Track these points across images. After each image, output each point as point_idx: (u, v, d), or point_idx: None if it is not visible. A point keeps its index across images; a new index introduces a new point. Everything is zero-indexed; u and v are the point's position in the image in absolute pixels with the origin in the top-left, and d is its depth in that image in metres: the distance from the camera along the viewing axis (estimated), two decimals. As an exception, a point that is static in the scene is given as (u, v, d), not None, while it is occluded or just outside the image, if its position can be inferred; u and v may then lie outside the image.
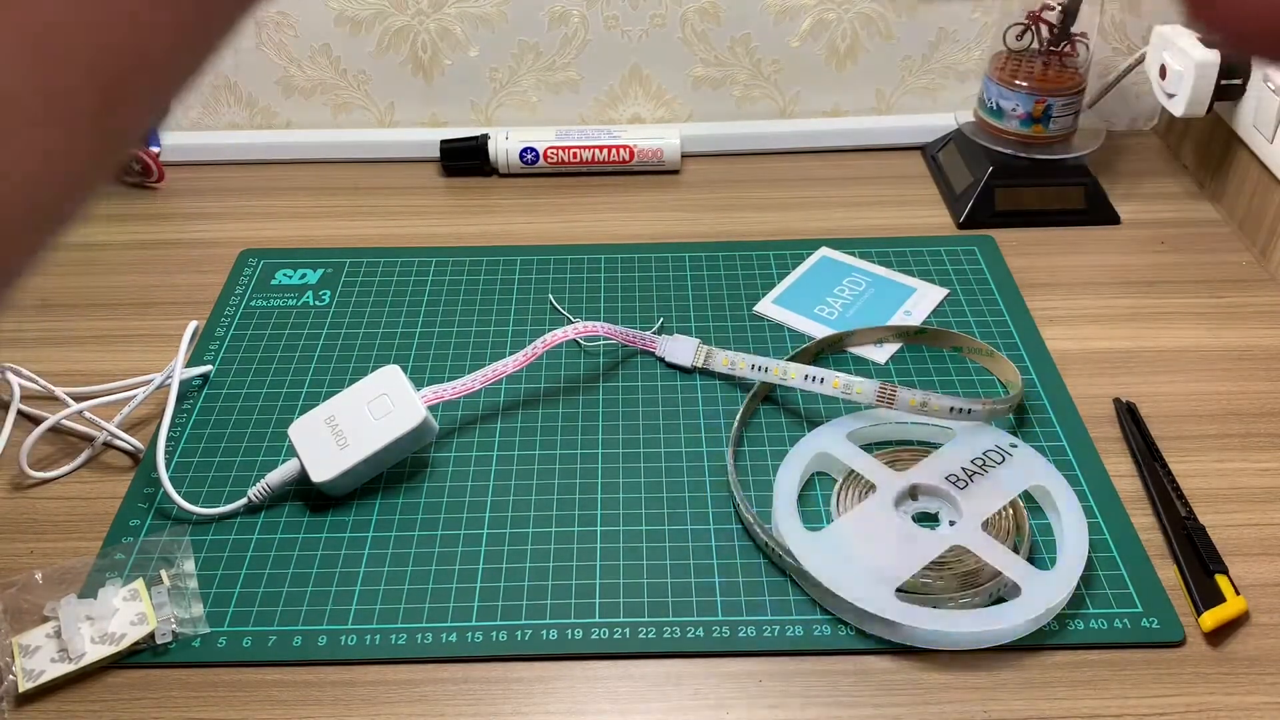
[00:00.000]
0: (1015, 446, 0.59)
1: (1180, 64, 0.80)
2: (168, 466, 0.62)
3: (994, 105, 0.82)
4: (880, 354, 0.70)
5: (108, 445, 0.65)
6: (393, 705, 0.51)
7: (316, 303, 0.75)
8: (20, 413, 0.66)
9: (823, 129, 0.93)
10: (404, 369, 0.62)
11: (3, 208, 0.13)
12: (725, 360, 0.67)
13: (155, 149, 0.91)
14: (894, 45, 0.91)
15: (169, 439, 0.64)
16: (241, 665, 0.52)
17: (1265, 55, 0.14)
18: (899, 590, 0.52)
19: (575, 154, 0.89)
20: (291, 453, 0.60)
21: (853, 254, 0.79)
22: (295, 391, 0.68)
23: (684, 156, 0.92)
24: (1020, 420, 0.64)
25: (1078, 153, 0.83)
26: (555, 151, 0.88)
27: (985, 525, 0.55)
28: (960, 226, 0.82)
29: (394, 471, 0.62)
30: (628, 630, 0.53)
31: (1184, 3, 0.14)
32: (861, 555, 0.54)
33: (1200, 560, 0.55)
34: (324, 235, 0.83)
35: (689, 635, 0.53)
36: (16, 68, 0.12)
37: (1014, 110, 0.81)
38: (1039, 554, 0.56)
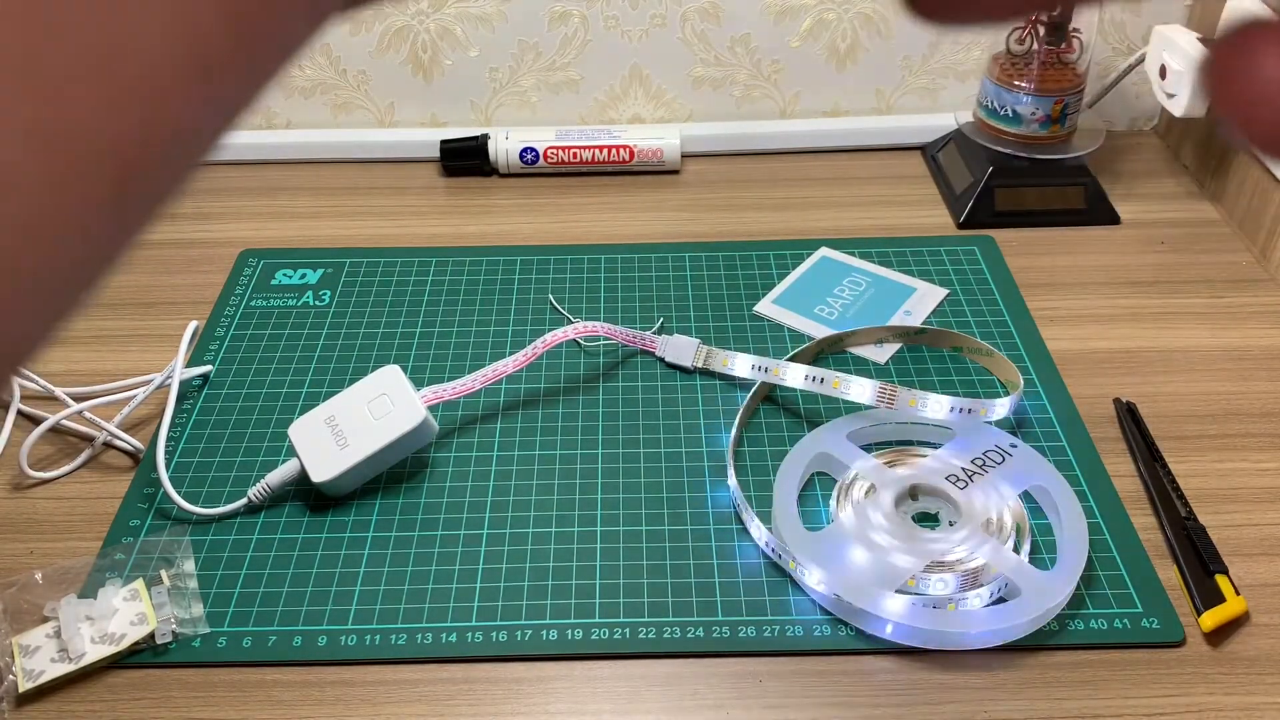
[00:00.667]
0: (1015, 446, 0.59)
1: (1180, 64, 0.80)
2: (168, 466, 0.62)
3: (1009, 112, 0.82)
4: (880, 354, 0.70)
5: (108, 445, 0.65)
6: (393, 705, 0.51)
7: (316, 303, 0.75)
8: (20, 413, 0.66)
9: (823, 129, 0.93)
10: (404, 369, 0.62)
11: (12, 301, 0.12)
12: (725, 360, 0.67)
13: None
14: (894, 45, 0.91)
15: (169, 439, 0.64)
16: (241, 665, 0.52)
17: None
18: (899, 590, 0.52)
19: (575, 154, 0.88)
20: (291, 453, 0.60)
21: (853, 254, 0.79)
22: (295, 391, 0.68)
23: (684, 156, 0.92)
24: (1020, 420, 0.64)
25: (1078, 153, 0.83)
26: (555, 151, 0.88)
27: (985, 525, 0.55)
28: (960, 226, 0.82)
29: (394, 471, 0.62)
30: (628, 630, 0.53)
31: (1225, 117, 0.14)
32: (861, 555, 0.54)
33: (1200, 560, 0.55)
34: (324, 235, 0.83)
35: (689, 635, 0.53)
36: (32, 163, 0.12)
37: (1033, 114, 0.81)
38: (1039, 554, 0.56)
